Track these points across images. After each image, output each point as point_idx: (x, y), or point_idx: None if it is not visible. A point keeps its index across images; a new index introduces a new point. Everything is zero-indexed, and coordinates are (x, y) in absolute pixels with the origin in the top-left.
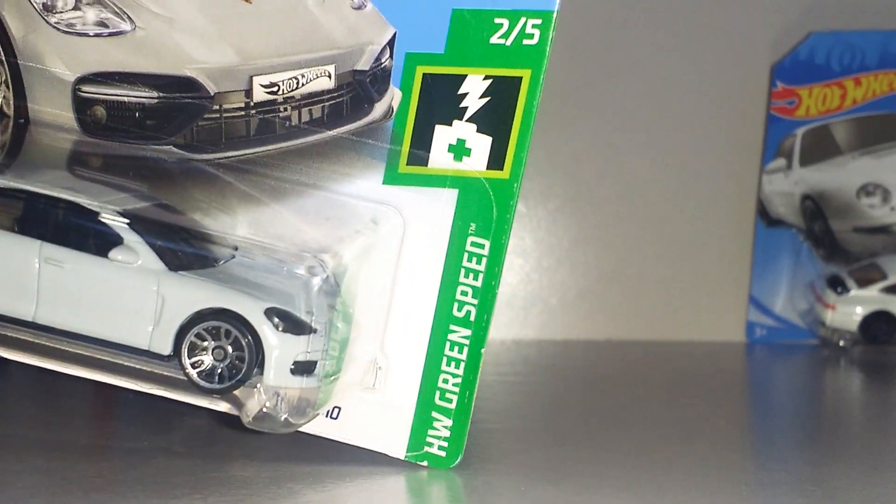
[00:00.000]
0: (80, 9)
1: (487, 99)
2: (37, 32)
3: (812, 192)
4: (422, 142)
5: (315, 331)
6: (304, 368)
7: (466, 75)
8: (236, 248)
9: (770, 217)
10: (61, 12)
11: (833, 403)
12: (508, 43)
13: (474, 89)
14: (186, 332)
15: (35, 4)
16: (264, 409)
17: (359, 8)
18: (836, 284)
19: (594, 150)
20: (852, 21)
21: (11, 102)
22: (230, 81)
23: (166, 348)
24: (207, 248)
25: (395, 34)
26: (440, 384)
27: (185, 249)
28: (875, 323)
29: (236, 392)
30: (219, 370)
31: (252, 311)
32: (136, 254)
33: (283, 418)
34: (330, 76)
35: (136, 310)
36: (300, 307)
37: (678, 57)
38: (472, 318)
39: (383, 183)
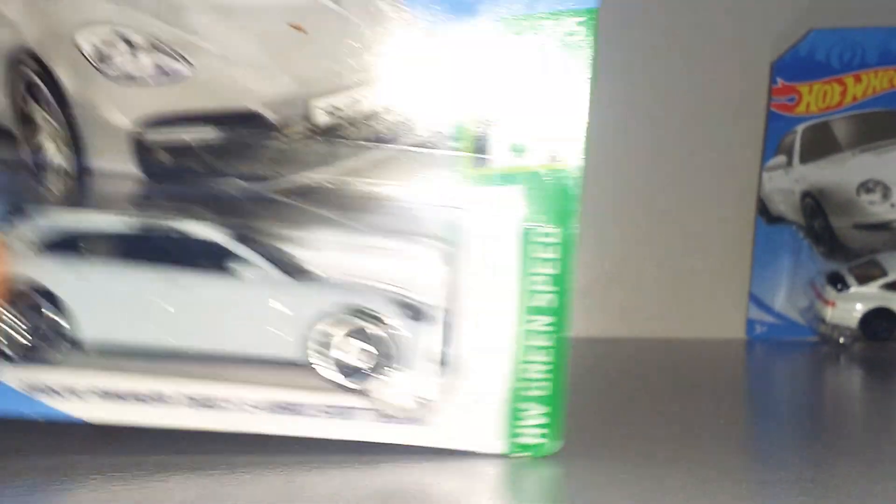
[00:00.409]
0: (135, 56)
1: None
2: (92, 85)
3: (812, 189)
4: (485, 145)
5: (435, 318)
6: (433, 356)
7: None
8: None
9: (770, 214)
10: (117, 62)
11: (833, 400)
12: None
13: None
14: (319, 336)
15: (89, 57)
16: (402, 399)
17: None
18: (837, 281)
19: (594, 146)
20: (853, 18)
21: (71, 157)
22: (291, 109)
23: (301, 353)
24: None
25: None
26: (528, 374)
27: (297, 260)
28: (875, 319)
29: (373, 385)
30: (357, 366)
31: (381, 306)
32: (261, 270)
33: (417, 405)
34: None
35: (268, 321)
36: (418, 295)
37: (678, 54)
38: (553, 305)
39: (450, 188)
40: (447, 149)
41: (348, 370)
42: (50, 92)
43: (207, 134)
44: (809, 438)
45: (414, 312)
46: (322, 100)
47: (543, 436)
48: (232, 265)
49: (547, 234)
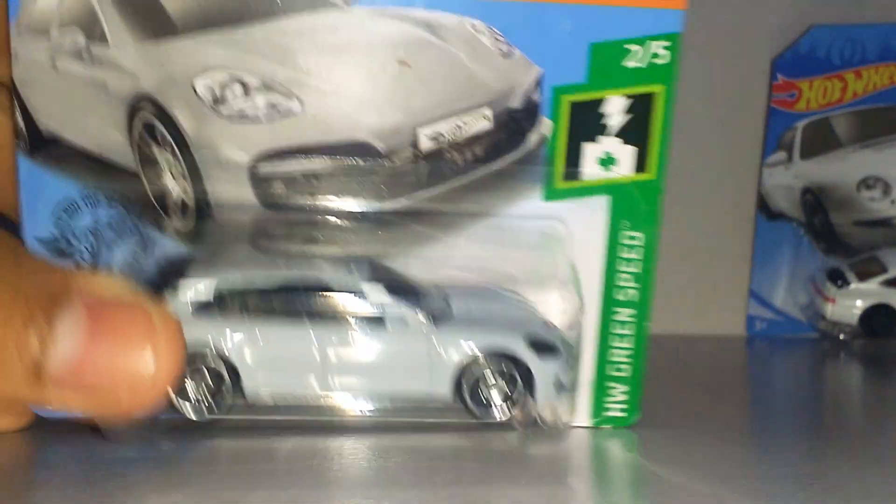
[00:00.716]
0: (249, 96)
1: (628, 115)
2: (209, 124)
3: (812, 185)
4: (574, 159)
5: (562, 349)
6: (562, 383)
7: (608, 97)
8: (448, 296)
9: (770, 210)
10: (232, 103)
11: (833, 397)
12: (642, 65)
13: (616, 108)
14: (462, 375)
15: (205, 99)
16: (540, 423)
17: (507, 56)
18: (837, 278)
19: None
20: (853, 14)
21: (191, 192)
22: (398, 137)
23: (446, 392)
24: (444, 299)
25: (541, 73)
26: (612, 358)
27: (436, 305)
28: (875, 316)
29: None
30: (497, 401)
31: (516, 346)
32: (405, 320)
33: (557, 425)
34: (488, 118)
35: (414, 364)
36: (545, 331)
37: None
38: (635, 299)
39: (544, 200)
40: (540, 164)
41: (490, 405)
42: (169, 133)
43: (320, 164)
44: (809, 434)
45: (547, 349)
46: (427, 127)
47: (624, 410)
48: (383, 315)
49: (631, 238)
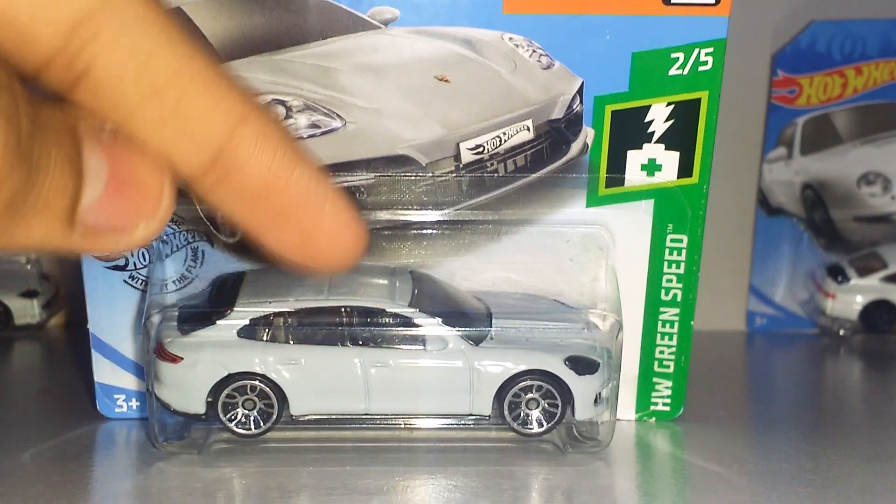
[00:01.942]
0: (291, 117)
1: (672, 121)
2: None
3: (813, 181)
4: (617, 166)
5: (602, 364)
6: (602, 397)
7: (651, 105)
8: (490, 312)
9: (770, 206)
10: None
11: (833, 392)
12: (685, 72)
13: (659, 115)
14: (502, 394)
15: None
16: (579, 437)
17: (548, 68)
18: (837, 273)
19: None
20: (853, 9)
21: None
22: (439, 151)
23: (486, 410)
24: (482, 318)
25: (582, 83)
26: (657, 355)
27: (476, 326)
28: (875, 312)
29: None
30: (537, 418)
31: (554, 365)
32: (445, 341)
33: (597, 439)
34: (529, 129)
35: (454, 384)
36: (585, 348)
37: None
38: (679, 299)
39: (587, 206)
40: (583, 172)
41: (529, 421)
42: None
43: (362, 177)
44: (809, 430)
45: (586, 366)
46: (468, 140)
47: (667, 404)
48: (423, 337)
49: (674, 241)
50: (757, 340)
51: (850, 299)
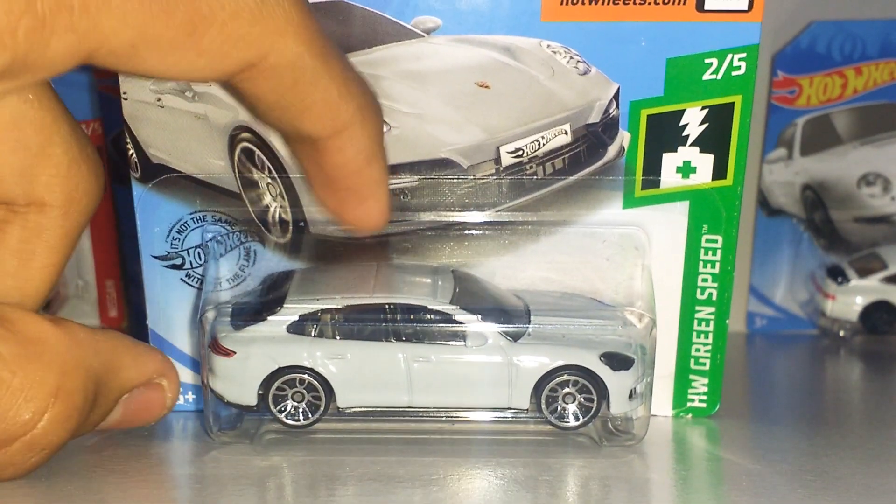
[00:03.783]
0: None
1: (706, 125)
2: None
3: (813, 181)
4: (652, 169)
5: (637, 360)
6: (636, 393)
7: (685, 109)
8: (528, 309)
9: (770, 207)
10: None
11: (833, 393)
12: (719, 77)
13: (693, 119)
14: (540, 388)
15: None
16: (614, 431)
17: (585, 73)
18: (837, 274)
19: None
20: (853, 10)
21: (288, 210)
22: (480, 154)
23: (524, 404)
24: (520, 315)
25: (618, 88)
26: (693, 353)
27: (515, 323)
28: (875, 313)
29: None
30: (573, 412)
31: (590, 360)
32: (485, 337)
33: (631, 433)
34: (567, 133)
35: (493, 379)
36: (621, 344)
37: None
38: (714, 297)
39: (623, 208)
40: (619, 175)
41: (566, 415)
42: (267, 158)
43: (406, 180)
44: (809, 431)
45: (620, 362)
46: (508, 144)
47: (703, 401)
48: (464, 333)
49: (709, 241)
50: (757, 341)
51: (851, 300)
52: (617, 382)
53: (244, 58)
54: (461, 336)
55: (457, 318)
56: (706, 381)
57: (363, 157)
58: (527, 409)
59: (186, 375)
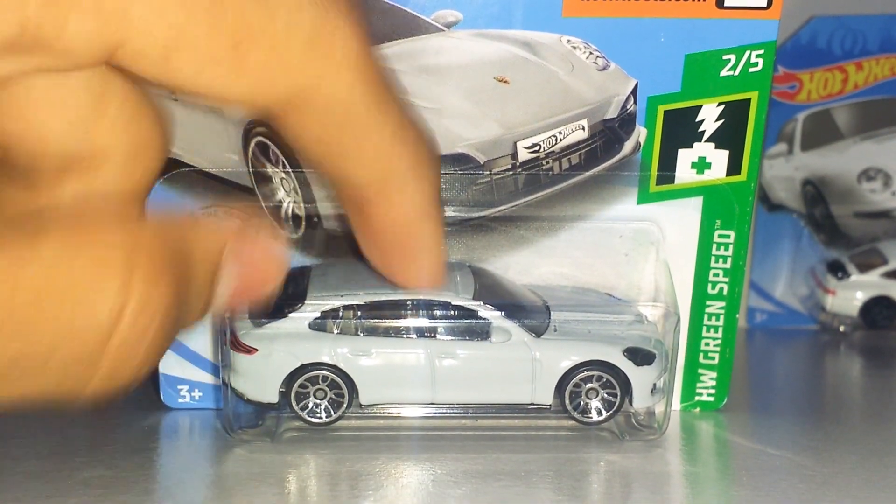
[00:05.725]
0: None
1: (722, 121)
2: None
3: (813, 176)
4: (668, 164)
5: (658, 355)
6: (658, 388)
7: (702, 105)
8: (547, 305)
9: (771, 202)
10: None
11: (833, 389)
12: (736, 73)
13: (710, 115)
14: (563, 384)
15: None
16: (637, 426)
17: (603, 69)
18: (837, 269)
19: None
20: (854, 5)
21: (302, 204)
22: (497, 149)
23: (548, 400)
24: (540, 311)
25: (636, 84)
26: (703, 347)
27: (536, 319)
28: (875, 308)
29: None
30: (596, 407)
31: (614, 356)
32: (509, 332)
33: (654, 427)
34: (584, 128)
35: (517, 374)
36: (641, 339)
37: None
38: (725, 292)
39: (638, 203)
40: (634, 170)
41: (589, 409)
42: (281, 152)
43: None
44: (809, 426)
45: (643, 358)
46: (525, 139)
47: (711, 395)
48: (488, 329)
49: (721, 236)
50: (757, 336)
51: (851, 295)
52: (640, 377)
53: (292, 86)
54: (485, 332)
55: (481, 314)
56: (714, 374)
57: (415, 214)
58: (550, 405)
59: (193, 373)
